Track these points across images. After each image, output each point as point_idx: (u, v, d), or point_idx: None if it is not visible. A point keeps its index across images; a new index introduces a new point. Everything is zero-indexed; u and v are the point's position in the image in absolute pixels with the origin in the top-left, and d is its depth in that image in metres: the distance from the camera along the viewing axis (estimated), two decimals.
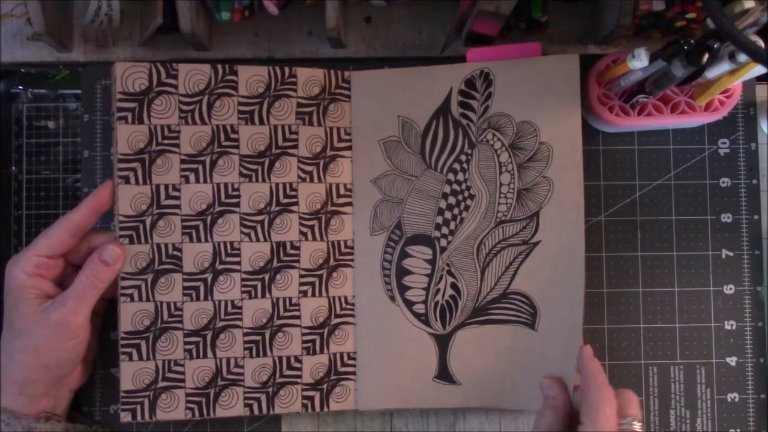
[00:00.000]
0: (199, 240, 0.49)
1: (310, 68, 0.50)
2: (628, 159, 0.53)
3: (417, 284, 0.50)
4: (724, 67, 0.42)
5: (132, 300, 0.48)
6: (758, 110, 0.53)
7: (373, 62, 0.53)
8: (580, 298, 0.47)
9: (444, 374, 0.50)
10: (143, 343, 0.48)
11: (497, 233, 0.49)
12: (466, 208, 0.50)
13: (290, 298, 0.49)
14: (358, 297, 0.51)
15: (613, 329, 0.53)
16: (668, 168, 0.53)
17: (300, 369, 0.49)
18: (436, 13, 0.53)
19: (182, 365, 0.48)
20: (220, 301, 0.49)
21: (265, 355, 0.49)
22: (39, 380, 0.45)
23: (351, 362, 0.50)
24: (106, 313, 0.50)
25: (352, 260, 0.51)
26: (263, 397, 0.49)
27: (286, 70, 0.49)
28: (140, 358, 0.48)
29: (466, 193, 0.50)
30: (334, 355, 0.50)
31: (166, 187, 0.48)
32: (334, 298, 0.50)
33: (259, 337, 0.49)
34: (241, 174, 0.49)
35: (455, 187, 0.50)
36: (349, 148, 0.51)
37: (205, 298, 0.49)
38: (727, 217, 0.53)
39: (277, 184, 0.49)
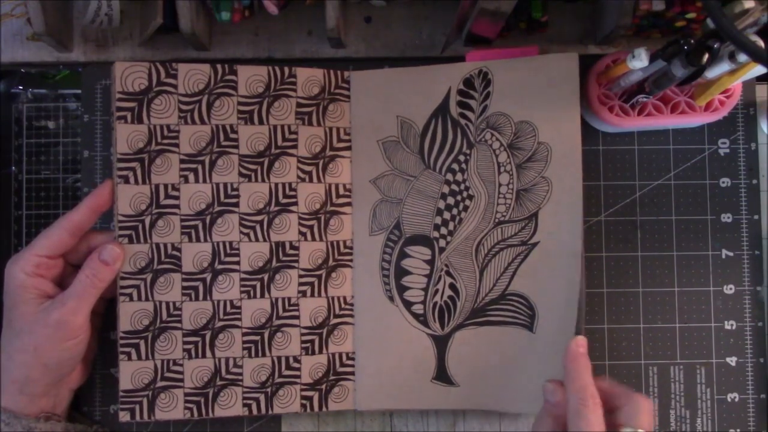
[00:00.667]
0: (198, 240, 0.49)
1: (309, 68, 0.50)
2: (628, 159, 0.53)
3: (416, 285, 0.50)
4: (724, 67, 0.42)
5: (131, 300, 0.48)
6: (758, 110, 0.53)
7: (373, 62, 0.53)
8: (580, 299, 0.47)
9: (442, 375, 0.50)
10: (142, 343, 0.48)
11: (496, 234, 0.49)
12: (465, 208, 0.50)
13: (289, 298, 0.49)
14: (357, 297, 0.51)
15: (613, 329, 0.53)
16: (668, 168, 0.53)
17: (299, 369, 0.49)
18: (436, 13, 0.53)
19: (181, 365, 0.48)
20: (219, 301, 0.49)
21: (263, 355, 0.49)
22: (39, 380, 0.45)
23: (350, 362, 0.50)
24: (105, 312, 0.50)
25: (351, 260, 0.51)
26: (262, 397, 0.49)
27: (286, 70, 0.49)
28: (139, 358, 0.48)
29: (464, 194, 0.50)
30: (333, 355, 0.50)
31: (166, 186, 0.48)
32: (333, 298, 0.50)
33: (257, 337, 0.49)
34: (240, 174, 0.49)
35: (454, 187, 0.50)
36: (349, 148, 0.51)
37: (204, 298, 0.49)
38: (727, 217, 0.53)
39: (276, 184, 0.49)
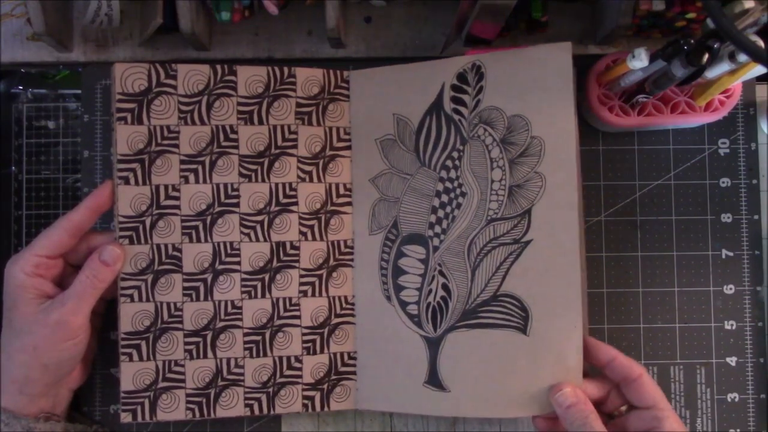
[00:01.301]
0: (198, 240, 0.49)
1: (309, 68, 0.50)
2: (628, 159, 0.53)
3: (411, 284, 0.50)
4: (724, 67, 0.42)
5: (132, 300, 0.48)
6: (758, 110, 0.53)
7: (373, 62, 0.53)
8: (577, 299, 0.45)
9: (434, 380, 0.48)
10: (143, 344, 0.48)
11: (488, 232, 0.48)
12: (458, 206, 0.48)
13: (290, 298, 0.49)
14: (357, 297, 0.51)
15: (613, 329, 0.53)
16: (668, 168, 0.53)
17: (300, 369, 0.49)
18: (436, 13, 0.53)
19: (182, 366, 0.48)
20: (220, 302, 0.49)
21: (265, 355, 0.49)
22: (38, 380, 0.45)
23: (351, 362, 0.50)
24: (106, 313, 0.50)
25: (351, 260, 0.51)
26: (264, 397, 0.49)
27: (285, 70, 0.49)
28: (140, 359, 0.48)
29: (458, 191, 0.48)
30: (335, 354, 0.50)
31: (166, 187, 0.48)
32: (334, 297, 0.50)
33: (259, 337, 0.49)
34: (240, 174, 0.49)
35: (447, 184, 0.49)
36: (349, 147, 0.51)
37: (205, 299, 0.49)
38: (727, 217, 0.53)
39: (276, 184, 0.49)
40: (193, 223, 0.49)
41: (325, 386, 0.50)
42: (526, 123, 0.47)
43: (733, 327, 0.52)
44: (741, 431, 0.52)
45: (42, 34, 0.48)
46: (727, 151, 0.53)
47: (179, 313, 0.48)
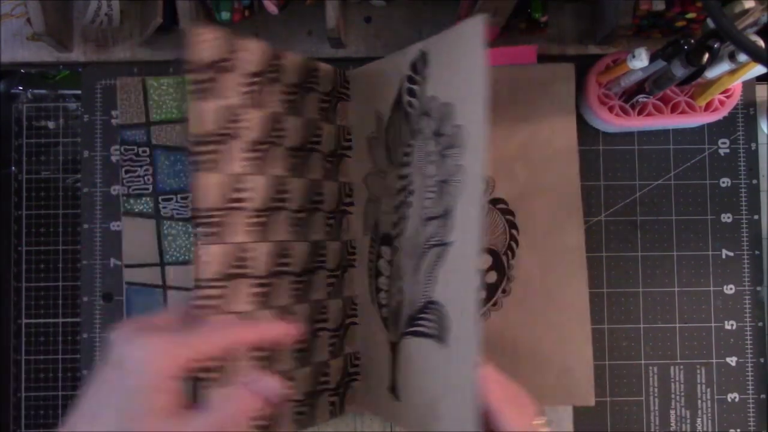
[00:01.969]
0: (259, 239, 0.42)
1: (325, 64, 0.47)
2: (628, 159, 0.53)
3: (384, 286, 0.47)
4: (724, 67, 0.42)
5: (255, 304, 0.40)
6: (758, 110, 0.53)
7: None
8: (475, 312, 0.39)
9: (393, 386, 0.45)
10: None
11: (425, 233, 0.43)
12: (409, 205, 0.45)
13: (320, 300, 0.46)
14: (358, 297, 0.50)
15: (613, 329, 0.53)
16: (668, 168, 0.53)
17: (329, 374, 0.47)
18: (436, 13, 0.53)
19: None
20: (273, 310, 0.43)
21: (308, 364, 0.45)
22: None
23: (357, 362, 0.50)
24: (106, 314, 0.50)
25: (355, 260, 0.50)
26: (308, 410, 0.44)
27: (312, 62, 0.46)
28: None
29: (409, 188, 0.45)
30: (347, 356, 0.49)
31: (231, 177, 0.41)
32: (346, 298, 0.49)
33: (305, 344, 0.45)
34: (286, 168, 0.44)
35: (403, 182, 0.45)
36: (351, 147, 0.51)
37: (266, 307, 0.42)
38: (727, 217, 0.53)
39: (308, 182, 0.45)
40: (257, 220, 0.42)
41: (342, 389, 0.48)
42: (452, 110, 0.41)
43: (734, 327, 0.52)
44: (741, 431, 0.52)
45: (42, 34, 0.48)
46: (727, 151, 0.53)
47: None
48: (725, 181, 0.53)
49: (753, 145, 0.53)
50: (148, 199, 0.52)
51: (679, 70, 0.42)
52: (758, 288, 0.53)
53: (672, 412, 0.52)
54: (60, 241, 0.53)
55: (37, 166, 0.53)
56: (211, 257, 0.39)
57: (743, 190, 0.53)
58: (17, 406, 0.53)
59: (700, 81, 0.47)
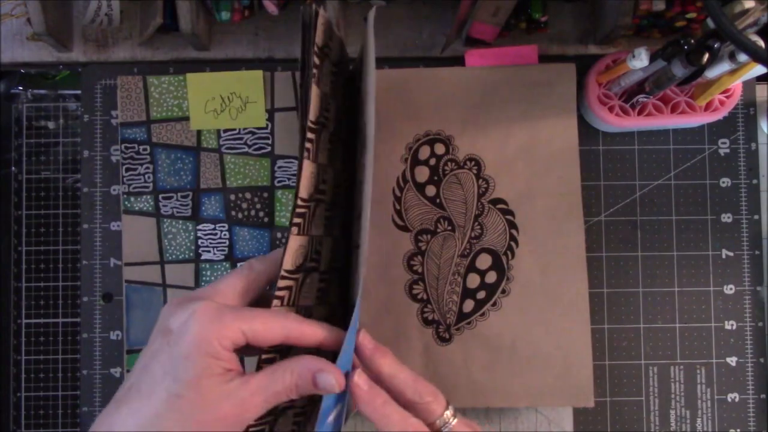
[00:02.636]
0: (327, 233, 0.40)
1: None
2: (628, 159, 0.53)
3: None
4: (724, 67, 0.42)
5: (282, 304, 0.37)
6: (758, 110, 0.53)
7: None
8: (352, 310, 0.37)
9: None
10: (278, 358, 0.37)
11: (355, 235, 0.43)
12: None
13: (332, 303, 0.45)
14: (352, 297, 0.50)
15: (613, 329, 0.53)
16: (668, 168, 0.53)
17: None
18: (436, 13, 0.53)
19: None
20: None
21: None
22: None
23: None
24: (106, 314, 0.50)
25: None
26: (309, 409, 0.42)
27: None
28: None
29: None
30: None
31: (320, 168, 0.39)
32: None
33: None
34: (326, 157, 0.41)
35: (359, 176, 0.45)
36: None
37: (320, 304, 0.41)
38: (727, 217, 0.53)
39: (336, 170, 0.44)
40: (328, 213, 0.40)
41: None
42: (363, 107, 0.40)
43: (734, 327, 0.52)
44: (741, 431, 0.52)
45: (42, 34, 0.48)
46: (727, 151, 0.53)
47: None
48: (725, 181, 0.53)
49: (753, 145, 0.53)
50: (148, 197, 0.52)
51: (679, 70, 0.42)
52: (758, 288, 0.53)
53: (672, 412, 0.52)
54: (60, 241, 0.53)
55: (37, 166, 0.53)
56: (295, 248, 0.37)
57: (743, 190, 0.53)
58: (17, 406, 0.53)
59: (700, 81, 0.47)
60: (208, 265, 0.52)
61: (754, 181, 0.53)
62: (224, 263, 0.52)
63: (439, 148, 0.51)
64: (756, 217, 0.53)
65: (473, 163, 0.51)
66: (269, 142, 0.53)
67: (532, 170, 0.51)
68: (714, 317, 0.53)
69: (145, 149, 0.52)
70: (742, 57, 0.41)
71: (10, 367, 0.53)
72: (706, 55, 0.40)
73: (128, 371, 0.51)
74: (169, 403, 0.32)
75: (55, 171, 0.53)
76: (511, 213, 0.51)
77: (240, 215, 0.52)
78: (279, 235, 0.53)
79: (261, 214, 0.52)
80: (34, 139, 0.53)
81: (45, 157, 0.53)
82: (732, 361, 0.52)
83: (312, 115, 0.37)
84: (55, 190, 0.53)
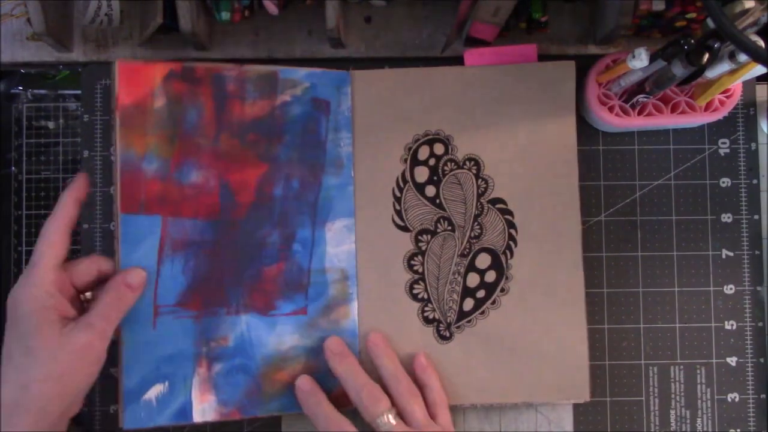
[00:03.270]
0: None
1: None
2: (628, 159, 0.53)
3: None
4: (724, 67, 0.42)
5: None
6: (758, 110, 0.53)
7: (373, 62, 0.53)
8: None
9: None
10: None
11: None
12: None
13: None
14: None
15: (613, 329, 0.53)
16: (668, 168, 0.53)
17: None
18: (436, 13, 0.53)
19: None
20: None
21: None
22: (54, 411, 0.40)
23: None
24: None
25: None
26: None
27: None
28: None
29: None
30: None
31: None
32: None
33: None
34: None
35: None
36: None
37: None
38: (727, 217, 0.53)
39: None
40: None
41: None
42: None
43: (734, 327, 0.52)
44: (741, 431, 0.52)
45: (42, 34, 0.48)
46: (727, 151, 0.53)
47: None
48: (725, 181, 0.53)
49: (753, 145, 0.53)
50: None
51: (679, 70, 0.42)
52: (758, 288, 0.53)
53: (672, 412, 0.52)
54: None
55: (37, 166, 0.53)
56: None
57: (743, 190, 0.53)
58: None
59: (700, 81, 0.47)
60: None
61: (754, 181, 0.53)
62: None
63: (439, 148, 0.51)
64: (756, 217, 0.53)
65: (472, 162, 0.51)
66: None
67: (531, 169, 0.51)
68: (714, 317, 0.53)
69: None
70: (742, 57, 0.41)
71: None
72: (706, 55, 0.40)
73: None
74: (17, 354, 0.40)
75: (55, 171, 0.53)
76: (510, 213, 0.51)
77: None
78: None
79: None
80: (34, 139, 0.53)
81: (45, 157, 0.53)
82: (732, 361, 0.52)
83: None
84: (55, 190, 0.53)
